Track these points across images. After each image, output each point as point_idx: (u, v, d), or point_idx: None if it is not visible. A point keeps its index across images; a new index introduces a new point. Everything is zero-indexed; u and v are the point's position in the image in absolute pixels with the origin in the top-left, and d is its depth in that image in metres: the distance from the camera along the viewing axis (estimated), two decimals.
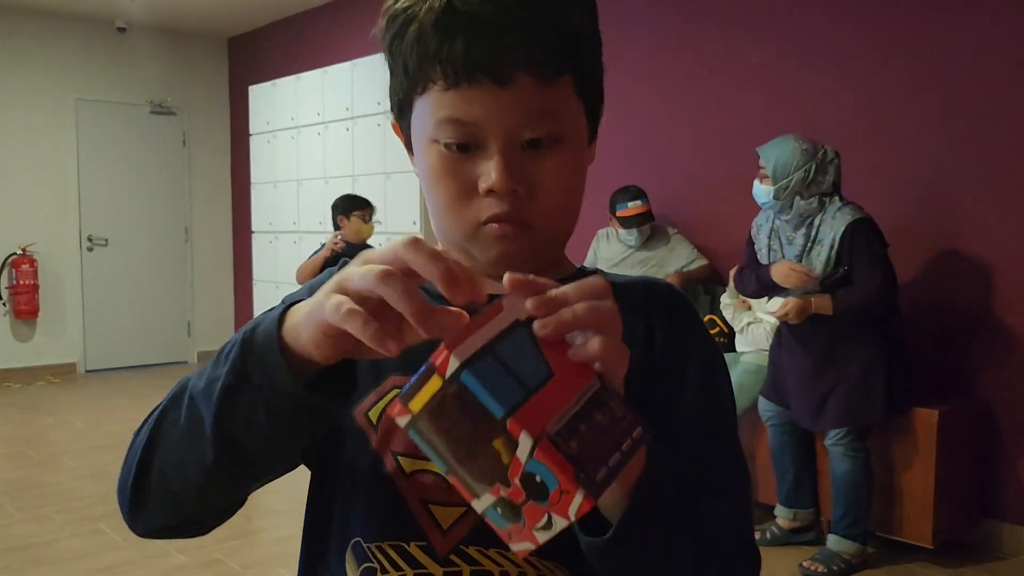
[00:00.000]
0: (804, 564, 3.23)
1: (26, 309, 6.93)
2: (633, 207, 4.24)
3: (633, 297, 0.79)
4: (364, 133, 5.75)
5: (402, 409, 0.54)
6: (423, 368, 0.53)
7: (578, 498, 0.52)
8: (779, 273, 3.23)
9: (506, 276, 0.56)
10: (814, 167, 3.15)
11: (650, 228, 4.32)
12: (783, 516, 3.48)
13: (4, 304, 6.93)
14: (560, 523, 0.52)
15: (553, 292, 0.57)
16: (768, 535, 3.47)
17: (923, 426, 3.25)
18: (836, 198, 3.19)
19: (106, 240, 7.40)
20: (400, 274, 0.55)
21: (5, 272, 6.91)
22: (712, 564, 0.71)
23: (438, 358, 0.53)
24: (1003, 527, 3.46)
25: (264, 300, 6.77)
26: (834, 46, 3.95)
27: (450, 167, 0.72)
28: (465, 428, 0.53)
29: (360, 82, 5.77)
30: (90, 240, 7.34)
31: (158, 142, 7.68)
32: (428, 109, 0.72)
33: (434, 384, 0.53)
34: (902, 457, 3.30)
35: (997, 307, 3.48)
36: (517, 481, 0.52)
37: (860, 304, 3.12)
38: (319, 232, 6.07)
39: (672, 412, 0.76)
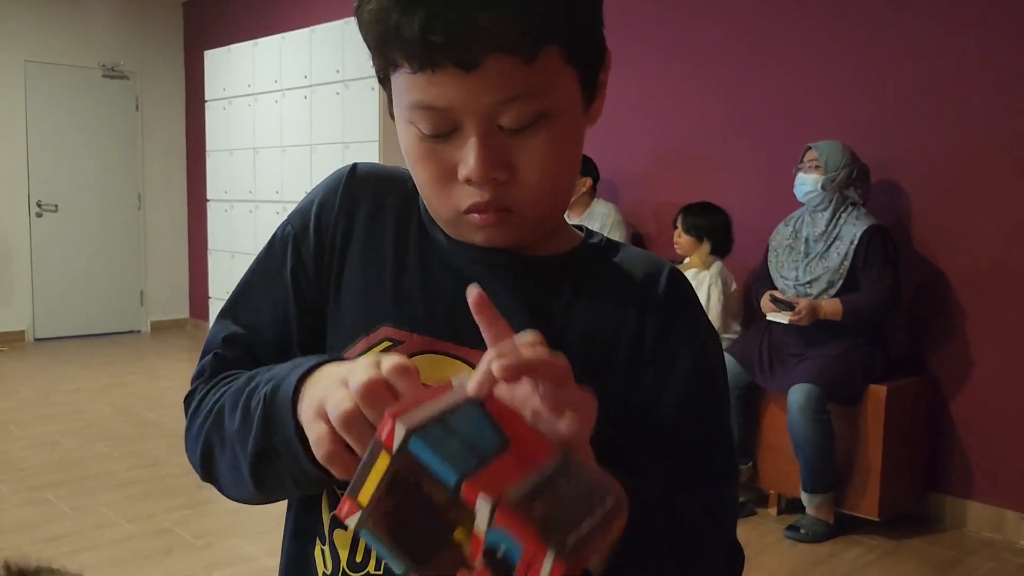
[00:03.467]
0: (788, 531, 3.34)
1: None
2: None
3: (631, 281, 0.77)
4: (322, 102, 5.66)
5: (351, 506, 0.49)
6: (369, 448, 0.49)
7: (547, 563, 0.46)
8: (763, 303, 3.53)
9: (471, 385, 0.55)
10: (857, 170, 3.43)
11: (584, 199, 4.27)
12: None
13: None
14: None
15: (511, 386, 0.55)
16: None
17: (872, 401, 3.31)
18: (861, 206, 3.43)
19: (56, 206, 7.23)
20: (360, 417, 0.55)
21: None
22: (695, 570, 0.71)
23: (383, 431, 0.49)
24: (946, 500, 3.55)
25: (219, 269, 6.67)
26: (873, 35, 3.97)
27: (427, 152, 0.69)
28: (420, 514, 0.48)
29: (319, 49, 5.67)
30: (39, 206, 7.15)
31: (110, 106, 7.49)
32: (401, 88, 0.67)
33: (382, 463, 0.49)
34: (850, 432, 3.36)
35: (950, 286, 3.55)
36: (479, 562, 0.47)
37: (868, 308, 3.34)
38: (275, 201, 5.98)
39: (659, 404, 0.75)
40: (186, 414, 0.80)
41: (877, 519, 3.33)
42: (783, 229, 3.63)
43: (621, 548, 0.59)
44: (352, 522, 0.50)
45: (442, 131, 0.67)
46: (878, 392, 3.31)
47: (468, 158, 0.66)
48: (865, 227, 3.36)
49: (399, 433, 0.48)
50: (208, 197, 6.83)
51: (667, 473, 0.74)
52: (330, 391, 0.58)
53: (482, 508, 0.47)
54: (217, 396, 0.75)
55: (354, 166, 0.82)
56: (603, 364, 0.74)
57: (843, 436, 3.35)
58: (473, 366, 0.73)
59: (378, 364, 0.56)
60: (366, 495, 0.49)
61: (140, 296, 7.75)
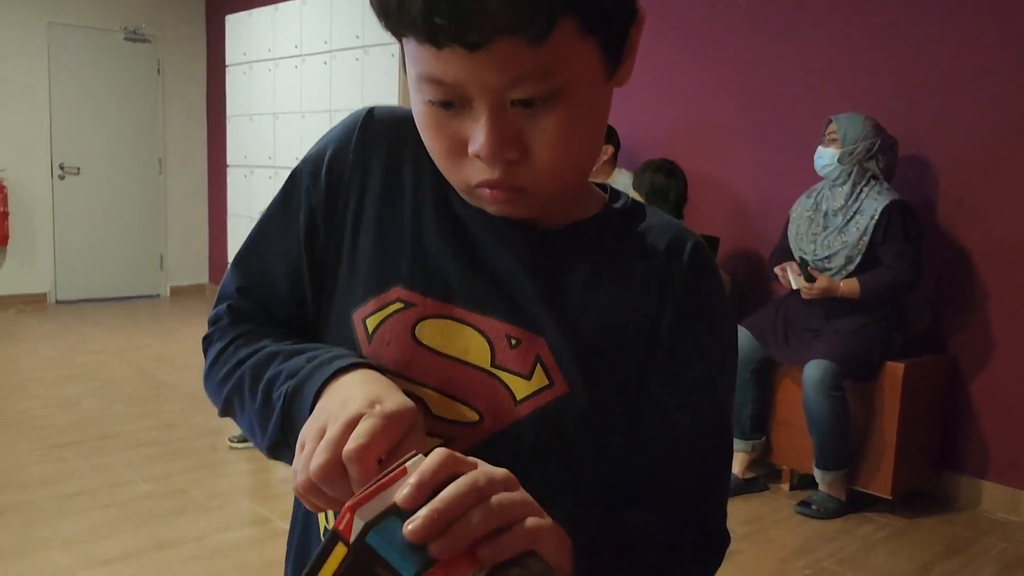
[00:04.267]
0: (799, 506, 3.34)
1: None
2: None
3: (653, 258, 0.75)
4: (342, 67, 5.63)
5: None
6: (326, 537, 0.51)
7: None
8: (778, 271, 3.52)
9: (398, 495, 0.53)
10: (879, 143, 3.35)
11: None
12: (743, 450, 3.53)
13: None
14: None
15: (437, 504, 0.52)
16: None
17: (889, 378, 3.28)
18: (883, 180, 3.37)
19: (78, 169, 7.26)
20: (315, 489, 0.60)
21: None
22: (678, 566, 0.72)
23: (341, 522, 0.50)
24: (961, 480, 3.52)
25: (238, 235, 6.68)
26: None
27: (437, 123, 0.66)
28: None
29: (339, 15, 5.64)
30: (62, 169, 7.20)
31: (132, 70, 7.50)
32: (411, 55, 0.64)
33: (339, 553, 0.50)
34: (866, 408, 3.34)
35: (974, 264, 3.50)
36: None
37: (886, 287, 3.30)
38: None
39: (667, 390, 0.74)
40: (204, 354, 0.81)
41: (890, 497, 3.31)
42: (804, 201, 3.58)
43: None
44: None
45: (451, 102, 0.64)
46: (895, 369, 3.27)
47: (478, 135, 0.64)
48: (886, 202, 3.30)
49: (357, 526, 0.50)
50: (228, 162, 6.84)
51: (663, 468, 0.75)
52: (312, 437, 0.61)
53: None
54: (238, 358, 0.76)
55: (370, 111, 0.79)
56: (618, 349, 0.73)
57: (858, 412, 3.33)
58: (483, 333, 0.72)
59: (347, 432, 0.59)
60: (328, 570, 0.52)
61: (160, 260, 7.80)
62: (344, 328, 0.75)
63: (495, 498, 0.54)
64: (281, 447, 0.70)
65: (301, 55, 5.98)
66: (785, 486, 3.59)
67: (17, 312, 6.75)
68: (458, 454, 0.56)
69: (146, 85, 7.59)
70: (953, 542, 3.14)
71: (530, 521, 0.56)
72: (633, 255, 0.75)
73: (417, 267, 0.74)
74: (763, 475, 3.63)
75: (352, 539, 0.50)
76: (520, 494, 0.57)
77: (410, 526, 0.51)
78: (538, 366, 0.71)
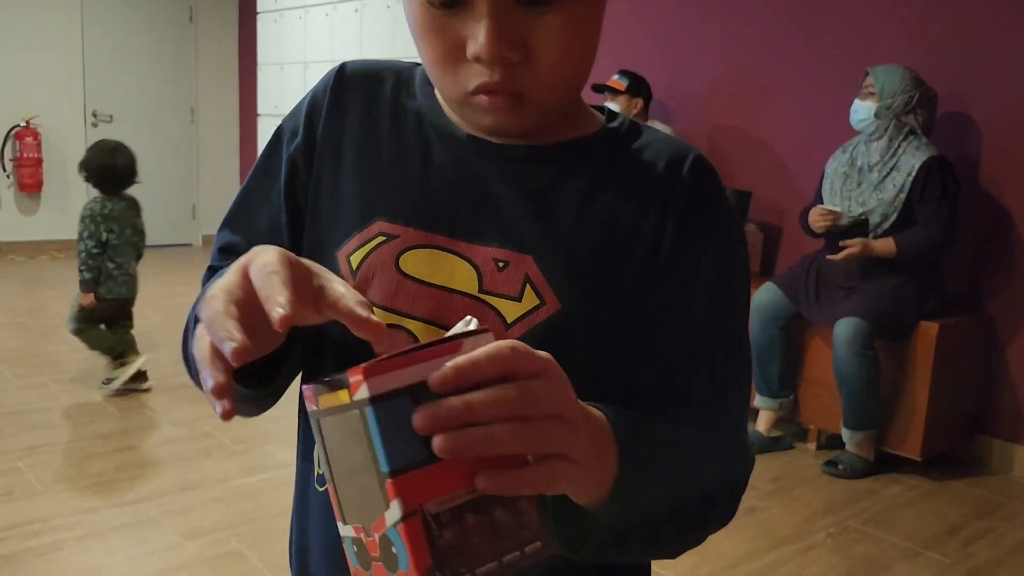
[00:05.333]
0: (826, 466, 3.30)
1: (30, 182, 6.88)
2: (612, 81, 4.10)
3: (652, 173, 0.71)
4: (373, 15, 5.57)
5: (312, 398, 0.49)
6: (342, 375, 0.47)
7: None
8: (812, 217, 3.38)
9: (433, 377, 0.46)
10: (918, 96, 3.25)
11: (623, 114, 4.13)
12: (769, 408, 3.48)
13: (8, 176, 6.88)
14: None
15: (464, 401, 0.46)
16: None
17: (922, 338, 3.21)
18: (922, 135, 3.27)
19: (111, 116, 7.29)
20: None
21: (9, 144, 6.83)
22: (703, 492, 0.67)
23: (353, 376, 0.46)
24: (994, 443, 3.45)
25: None
26: None
27: (434, 25, 0.63)
28: (355, 455, 0.47)
29: None
30: (95, 116, 7.23)
31: (164, 18, 7.49)
32: None
33: (342, 397, 0.47)
34: (897, 368, 3.27)
35: (1015, 223, 3.39)
36: (376, 537, 0.47)
37: (923, 245, 3.22)
38: None
39: (674, 306, 0.70)
40: None
41: (919, 459, 3.26)
42: (840, 156, 3.48)
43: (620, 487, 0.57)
44: (309, 408, 0.50)
45: (452, 1, 0.61)
46: (929, 329, 3.20)
47: (478, 34, 0.61)
48: (925, 158, 3.20)
49: (362, 393, 0.45)
50: (259, 111, 6.83)
51: (677, 379, 0.70)
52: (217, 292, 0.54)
53: (394, 510, 0.45)
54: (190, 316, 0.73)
55: (343, 64, 0.78)
56: (616, 265, 0.70)
57: (890, 372, 3.26)
58: (469, 260, 0.69)
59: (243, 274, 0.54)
60: (324, 404, 0.49)
61: (192, 210, 7.85)
62: (330, 269, 0.72)
63: (535, 426, 0.48)
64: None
65: (332, 2, 5.92)
66: (812, 445, 3.55)
67: (51, 258, 6.84)
68: (533, 351, 0.49)
69: (178, 33, 7.58)
70: (982, 505, 3.08)
71: (561, 464, 0.49)
72: (631, 169, 0.72)
73: (397, 198, 0.72)
74: (790, 433, 3.59)
75: (352, 399, 0.46)
76: (569, 430, 0.50)
77: (420, 412, 0.46)
78: (527, 286, 0.68)
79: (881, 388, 3.24)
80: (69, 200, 7.15)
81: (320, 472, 0.74)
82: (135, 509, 2.69)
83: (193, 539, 2.52)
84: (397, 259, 0.70)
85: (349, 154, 0.75)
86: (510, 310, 0.68)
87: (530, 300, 0.68)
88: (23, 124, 6.80)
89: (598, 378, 0.68)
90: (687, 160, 0.72)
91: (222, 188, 7.93)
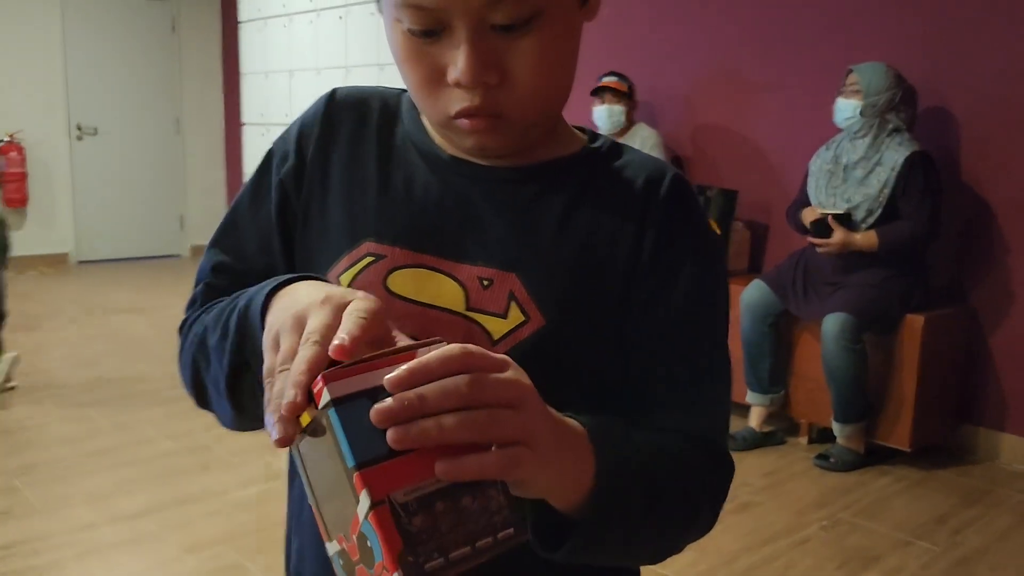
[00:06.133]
0: (817, 459, 3.34)
1: (16, 197, 6.86)
2: (608, 81, 4.13)
3: (631, 189, 0.74)
4: (358, 22, 5.59)
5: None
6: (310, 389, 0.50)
7: None
8: (805, 217, 3.45)
9: (387, 377, 0.50)
10: (900, 93, 3.30)
11: (623, 116, 4.17)
12: (761, 404, 3.52)
13: None
14: None
15: (415, 392, 0.49)
16: (739, 440, 3.49)
17: (908, 331, 3.26)
18: (904, 131, 3.31)
19: (95, 129, 7.28)
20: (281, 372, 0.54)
21: None
22: (683, 500, 0.69)
23: (316, 385, 0.49)
24: (980, 432, 3.51)
25: None
26: None
27: (415, 52, 0.66)
28: (328, 468, 0.49)
29: None
30: (79, 129, 7.22)
31: (147, 28, 7.47)
32: None
33: (310, 412, 0.50)
34: (885, 361, 3.32)
35: (996, 215, 3.44)
36: (355, 538, 0.49)
37: (905, 240, 3.26)
38: None
39: (654, 314, 0.72)
40: (179, 344, 0.80)
41: (909, 450, 3.31)
42: (824, 153, 3.53)
43: (597, 500, 0.59)
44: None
45: (431, 29, 0.65)
46: (915, 321, 3.25)
47: (458, 60, 0.64)
48: (907, 153, 3.24)
49: (324, 398, 0.49)
50: (244, 120, 6.83)
51: (657, 388, 0.73)
52: (285, 326, 0.56)
53: (363, 502, 0.48)
54: (203, 320, 0.75)
55: (334, 91, 0.81)
56: (597, 278, 0.72)
57: (877, 365, 3.31)
58: (455, 279, 0.72)
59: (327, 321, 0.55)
60: (300, 428, 0.52)
61: (180, 220, 7.84)
62: None
63: (483, 412, 0.50)
64: (239, 371, 0.67)
65: (316, 10, 5.93)
66: (803, 439, 3.59)
67: (39, 273, 6.82)
68: (488, 352, 0.53)
69: (161, 43, 7.57)
70: (970, 493, 3.13)
71: (517, 450, 0.52)
72: (611, 186, 0.75)
73: (385, 219, 0.75)
74: (781, 429, 3.63)
75: (319, 406, 0.49)
76: (523, 416, 0.52)
77: (376, 408, 0.49)
78: (512, 303, 0.71)
79: (869, 381, 3.28)
80: (56, 214, 7.14)
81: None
82: (134, 524, 2.71)
83: (194, 553, 2.54)
84: (385, 278, 0.72)
85: (338, 178, 0.78)
86: (496, 327, 0.70)
87: (515, 316, 0.70)
88: (6, 139, 6.78)
89: (583, 389, 0.71)
90: (665, 178, 0.75)
91: (209, 198, 7.93)
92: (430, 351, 0.51)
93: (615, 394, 0.72)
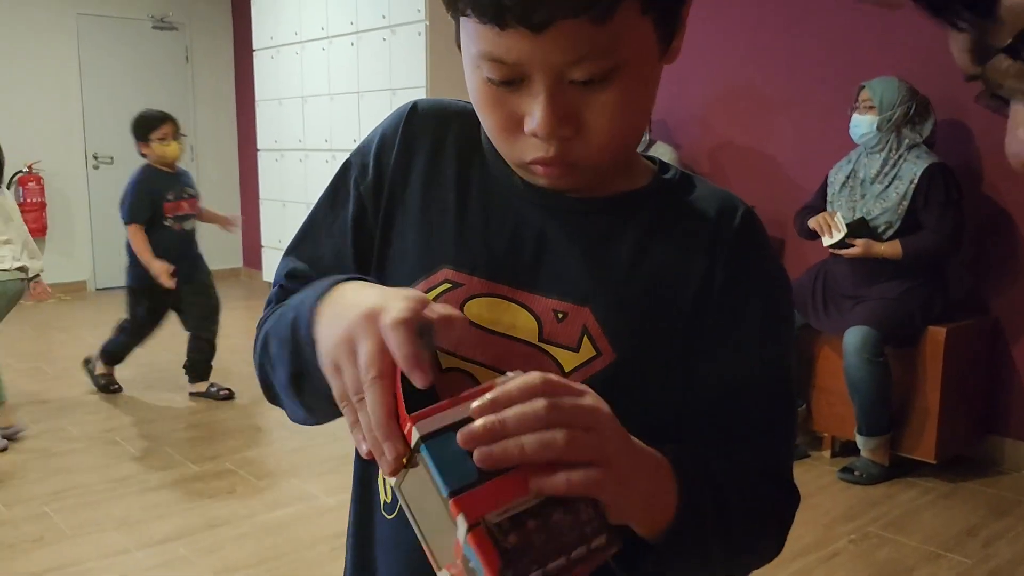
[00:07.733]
0: (842, 473, 3.34)
1: (35, 227, 6.91)
2: None
3: (702, 223, 0.75)
4: (369, 48, 5.64)
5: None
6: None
7: None
8: (813, 223, 3.43)
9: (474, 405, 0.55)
10: (915, 106, 3.32)
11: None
12: None
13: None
14: None
15: (497, 416, 0.54)
16: None
17: (930, 343, 3.26)
18: (921, 144, 3.33)
19: (112, 158, 7.35)
20: (357, 402, 0.58)
21: (12, 190, 6.88)
22: (754, 529, 0.72)
23: (405, 426, 0.54)
24: (1006, 442, 3.49)
25: (271, 219, 6.75)
26: None
27: (494, 99, 0.68)
28: (429, 500, 0.54)
29: None
30: (95, 158, 7.29)
31: (161, 58, 7.56)
32: (469, 33, 0.65)
33: (404, 450, 0.55)
34: (908, 373, 3.32)
35: (1016, 225, 3.45)
36: (459, 562, 0.53)
37: (929, 250, 3.26)
38: (324, 150, 6.01)
39: (723, 349, 0.74)
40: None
41: (934, 462, 3.30)
42: (844, 166, 3.53)
43: (673, 527, 0.62)
44: (391, 482, 0.57)
45: (510, 80, 0.66)
46: (937, 333, 3.25)
47: (535, 112, 0.65)
48: (926, 165, 3.25)
49: (414, 436, 0.54)
50: (258, 147, 6.89)
51: (725, 422, 0.74)
52: (340, 355, 0.61)
53: (460, 526, 0.52)
54: (269, 321, 0.78)
55: (415, 104, 0.81)
56: (667, 313, 0.73)
57: (900, 378, 3.31)
58: (530, 310, 0.73)
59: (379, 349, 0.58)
60: (400, 469, 0.56)
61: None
62: None
63: (561, 432, 0.54)
64: (300, 378, 0.70)
65: (328, 37, 5.99)
66: (826, 453, 3.59)
67: (58, 301, 6.87)
68: (566, 381, 0.57)
69: (175, 73, 7.65)
70: (999, 504, 3.12)
71: (595, 470, 0.55)
72: (682, 221, 0.76)
73: (463, 247, 0.75)
74: (804, 442, 3.63)
75: (412, 445, 0.54)
76: (599, 438, 0.56)
77: (462, 433, 0.53)
78: (585, 337, 0.72)
79: (893, 393, 3.28)
80: (74, 243, 7.19)
81: (387, 500, 0.79)
82: (165, 549, 2.72)
83: None
84: (462, 307, 0.73)
85: (416, 196, 0.78)
86: (568, 359, 0.71)
87: (587, 351, 0.71)
88: (25, 170, 6.86)
89: (652, 422, 0.72)
90: (737, 213, 0.76)
91: None
92: (507, 381, 0.55)
93: (683, 427, 0.74)
